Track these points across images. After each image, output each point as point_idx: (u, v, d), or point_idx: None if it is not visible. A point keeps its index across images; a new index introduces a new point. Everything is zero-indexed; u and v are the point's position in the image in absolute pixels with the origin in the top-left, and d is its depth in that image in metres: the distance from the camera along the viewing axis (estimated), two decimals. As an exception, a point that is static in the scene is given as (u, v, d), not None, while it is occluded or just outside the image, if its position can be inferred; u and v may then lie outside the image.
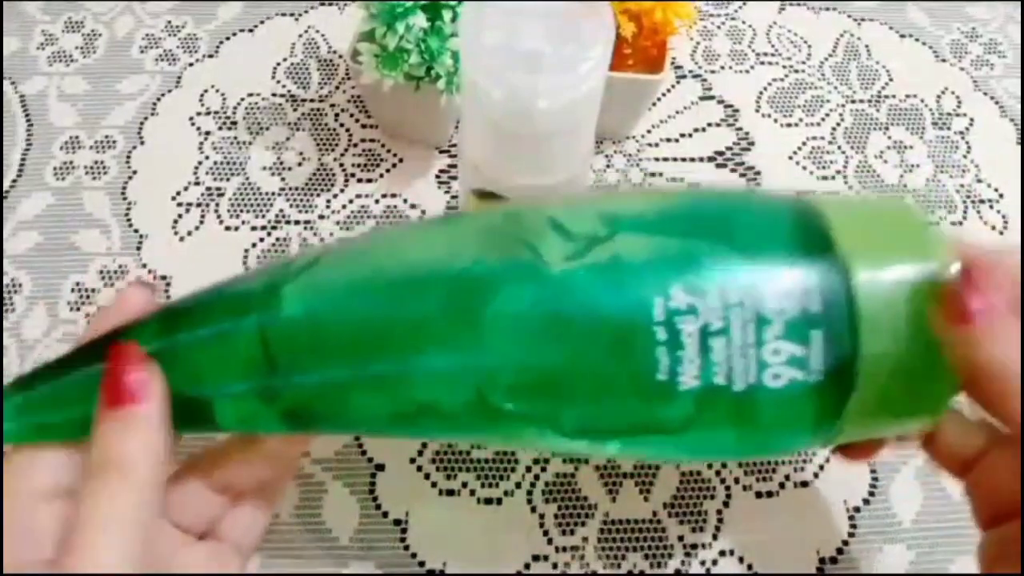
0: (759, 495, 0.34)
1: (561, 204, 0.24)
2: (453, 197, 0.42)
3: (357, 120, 0.44)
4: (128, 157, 0.43)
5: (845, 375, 0.21)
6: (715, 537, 0.33)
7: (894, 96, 0.46)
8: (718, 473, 0.35)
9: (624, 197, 0.26)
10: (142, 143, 0.44)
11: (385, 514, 0.34)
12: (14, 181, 0.42)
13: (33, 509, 0.22)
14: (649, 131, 0.45)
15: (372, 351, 0.22)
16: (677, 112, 0.45)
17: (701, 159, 0.44)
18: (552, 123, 0.24)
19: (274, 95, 0.46)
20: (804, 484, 0.34)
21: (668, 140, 0.44)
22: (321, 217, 0.41)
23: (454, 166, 0.43)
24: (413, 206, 0.42)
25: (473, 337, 0.22)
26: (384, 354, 0.22)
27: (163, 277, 0.39)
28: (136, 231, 0.41)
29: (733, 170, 0.43)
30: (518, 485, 0.34)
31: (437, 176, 0.43)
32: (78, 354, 0.23)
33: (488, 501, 0.34)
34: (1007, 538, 0.22)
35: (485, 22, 0.24)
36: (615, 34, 0.24)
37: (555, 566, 0.33)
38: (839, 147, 0.44)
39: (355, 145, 0.44)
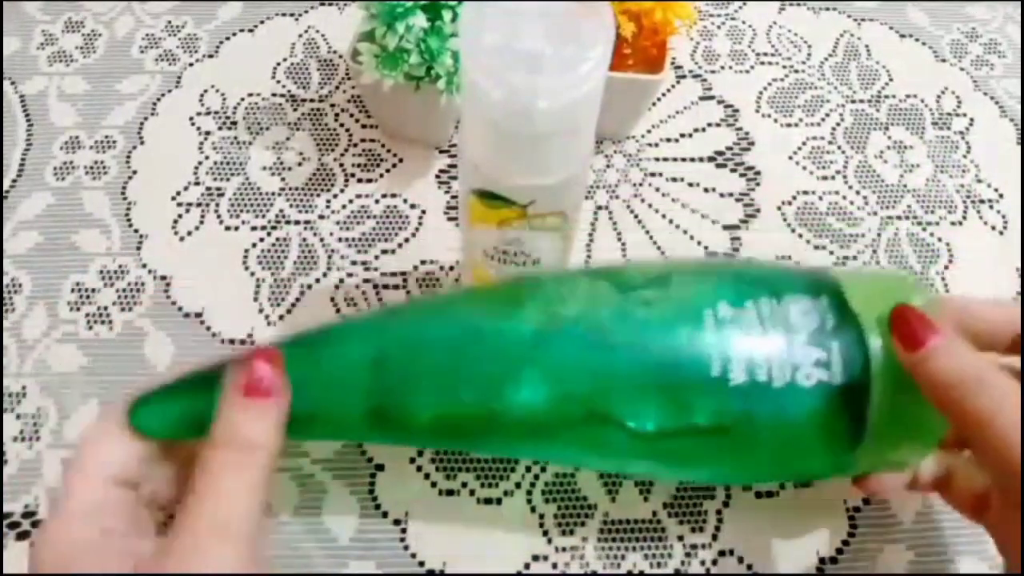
0: (759, 495, 0.34)
1: (616, 271, 0.30)
2: (453, 197, 0.42)
3: (357, 120, 0.44)
4: (128, 157, 0.43)
5: (862, 385, 0.26)
6: (715, 537, 0.33)
7: (894, 96, 0.46)
8: (718, 473, 0.35)
9: (672, 260, 0.33)
10: (142, 143, 0.44)
11: (385, 514, 0.34)
12: (14, 181, 0.42)
13: (100, 490, 0.24)
14: (649, 131, 0.45)
15: (460, 381, 0.27)
16: (677, 112, 0.45)
17: (701, 159, 0.44)
18: (552, 123, 0.24)
19: (274, 95, 0.46)
20: (804, 484, 0.34)
21: (668, 140, 0.44)
22: (321, 217, 0.41)
23: (454, 166, 0.43)
24: (413, 206, 0.42)
25: (562, 354, 0.27)
26: (473, 383, 0.27)
27: (163, 277, 0.39)
28: (136, 231, 0.41)
29: (733, 170, 0.43)
30: (518, 485, 0.34)
31: (437, 176, 0.43)
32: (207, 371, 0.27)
33: (488, 501, 0.34)
34: None
35: (485, 22, 0.24)
36: (615, 34, 0.24)
37: (555, 566, 0.33)
38: (839, 147, 0.44)
39: (355, 145, 0.44)
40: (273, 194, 0.42)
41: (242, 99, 0.45)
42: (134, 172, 0.43)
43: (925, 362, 0.24)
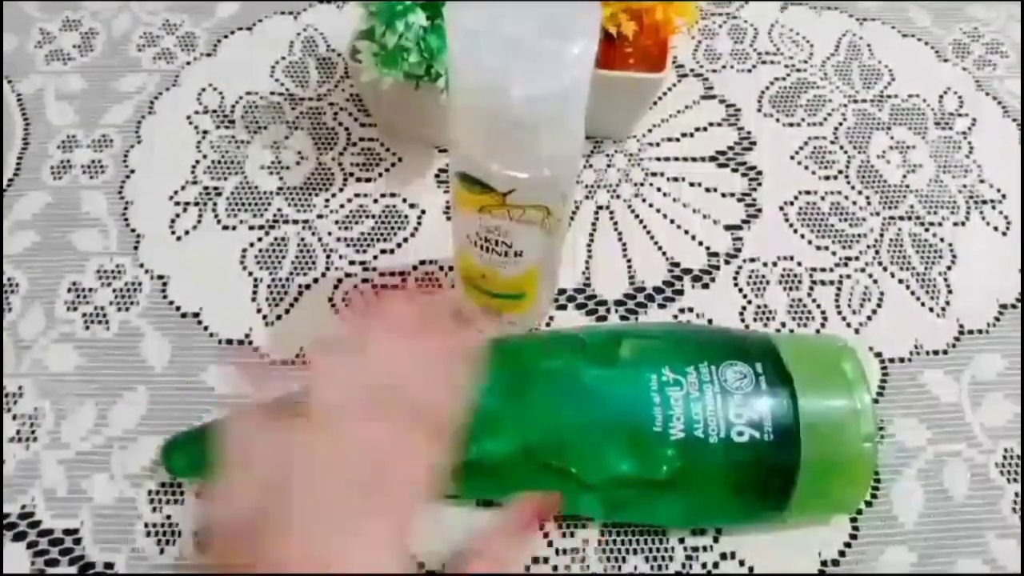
0: (760, 497, 0.34)
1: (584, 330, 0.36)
2: (453, 197, 0.42)
3: (356, 119, 0.44)
4: (125, 156, 0.43)
5: (791, 438, 0.29)
6: (716, 540, 0.33)
7: (896, 96, 0.46)
8: (719, 475, 0.34)
9: (624, 326, 0.38)
10: (139, 142, 0.44)
11: (384, 516, 0.33)
12: (11, 180, 0.42)
13: None
14: (650, 130, 0.44)
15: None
16: (678, 111, 0.45)
17: (702, 158, 0.44)
18: (528, 112, 0.24)
19: (272, 94, 0.45)
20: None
21: (669, 139, 0.44)
22: (320, 216, 0.41)
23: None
24: (412, 205, 0.41)
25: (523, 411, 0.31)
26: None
27: (160, 277, 0.39)
28: (133, 230, 0.41)
29: (735, 170, 0.43)
30: (518, 487, 0.34)
31: (436, 175, 0.42)
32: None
33: (488, 503, 0.34)
34: None
35: (473, 4, 0.24)
36: (601, 30, 0.24)
37: (555, 568, 0.32)
38: (841, 147, 0.44)
39: (354, 144, 0.43)
40: (271, 193, 0.42)
41: (240, 98, 0.45)
42: (131, 171, 0.43)
43: None
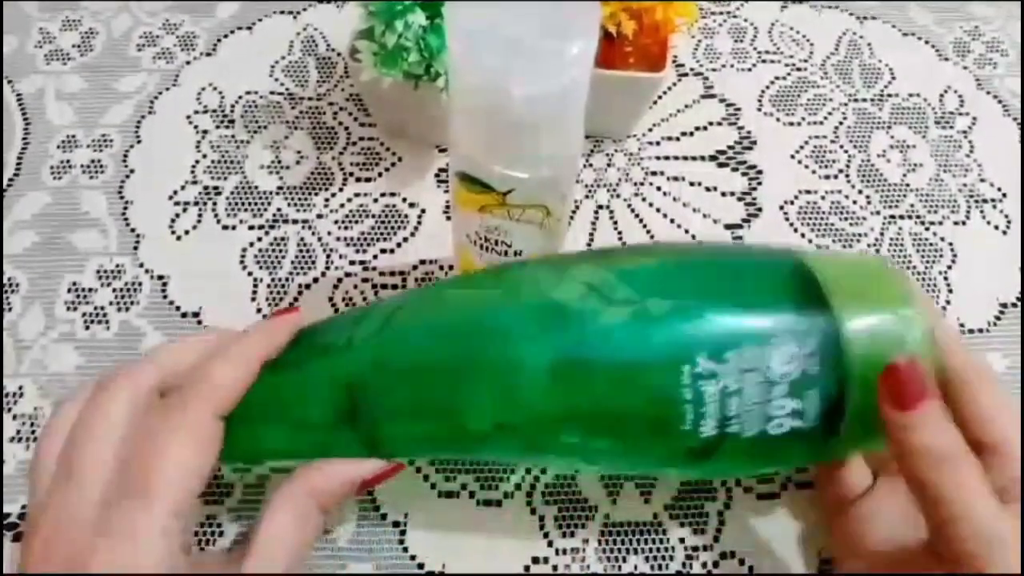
0: (760, 497, 0.34)
1: (590, 265, 0.27)
2: (452, 196, 0.42)
3: (356, 119, 0.44)
4: (125, 156, 0.43)
5: (834, 422, 0.25)
6: (716, 539, 0.33)
7: (897, 95, 0.46)
8: (719, 475, 0.34)
9: (644, 258, 0.29)
10: (139, 142, 0.44)
11: (384, 516, 0.33)
12: (11, 180, 0.42)
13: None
14: (650, 129, 0.44)
15: (434, 389, 0.26)
16: (678, 111, 0.45)
17: (702, 158, 0.44)
18: (528, 112, 0.24)
19: (272, 93, 0.45)
20: (806, 485, 0.34)
21: (669, 139, 0.44)
22: (319, 216, 0.41)
23: (453, 165, 0.43)
24: (412, 205, 0.41)
25: (519, 382, 0.26)
26: (443, 392, 0.26)
27: (160, 277, 0.39)
28: (133, 230, 0.41)
29: (735, 169, 0.43)
30: (518, 487, 0.34)
31: (436, 175, 0.42)
32: None
33: (487, 503, 0.34)
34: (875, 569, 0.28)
35: (471, 4, 0.24)
36: (600, 29, 0.24)
37: (555, 568, 0.32)
38: (841, 146, 0.44)
39: (354, 144, 0.43)
40: (271, 193, 0.42)
41: (240, 97, 0.45)
42: (131, 171, 0.43)
43: (905, 429, 0.25)
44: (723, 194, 0.42)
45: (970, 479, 0.24)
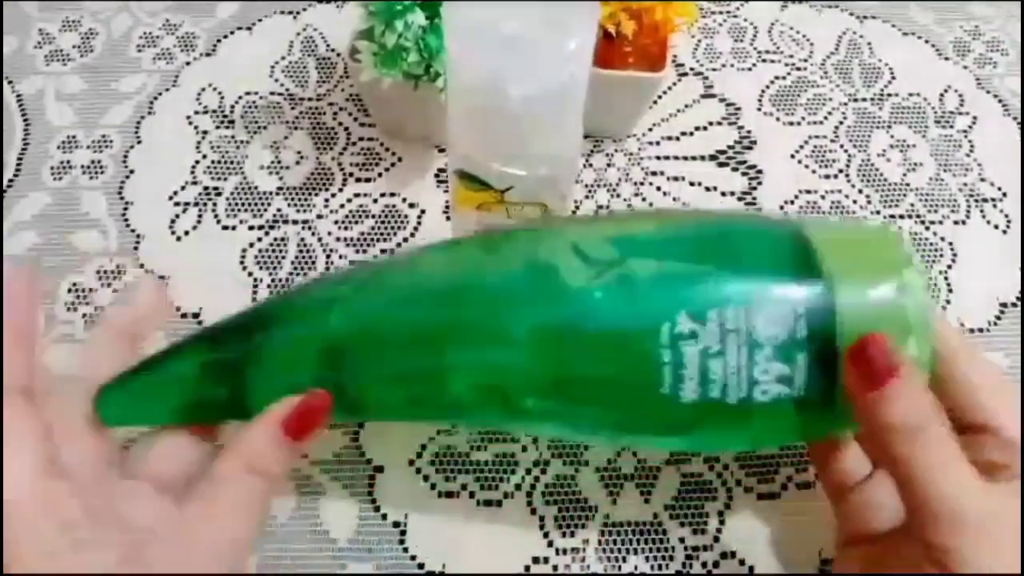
0: (761, 497, 0.34)
1: (578, 228, 0.27)
2: (452, 196, 0.42)
3: (355, 119, 0.44)
4: (125, 156, 0.43)
5: (827, 391, 0.24)
6: (716, 539, 0.33)
7: (897, 94, 0.46)
8: (719, 475, 0.34)
9: (635, 222, 0.29)
10: (139, 142, 0.44)
11: (384, 516, 0.33)
12: (11, 181, 0.42)
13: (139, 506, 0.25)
14: (650, 129, 0.44)
15: (416, 352, 0.26)
16: (678, 110, 0.45)
17: (702, 157, 0.44)
18: (525, 110, 0.24)
19: (272, 94, 0.45)
20: (806, 485, 0.34)
21: (669, 138, 0.44)
22: (319, 216, 0.41)
23: (453, 165, 0.43)
24: (412, 205, 0.41)
25: (501, 344, 0.25)
26: (425, 355, 0.26)
27: (161, 277, 0.39)
28: (133, 231, 0.41)
29: (735, 169, 0.43)
30: (518, 487, 0.34)
31: (436, 175, 0.42)
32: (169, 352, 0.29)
33: (488, 503, 0.34)
34: (869, 556, 0.27)
35: (469, 4, 0.24)
36: (599, 28, 0.24)
37: (555, 568, 0.32)
38: (841, 146, 0.44)
39: (353, 144, 0.43)
40: (271, 193, 0.42)
41: (240, 98, 0.45)
42: (131, 172, 0.43)
43: (875, 403, 0.23)
44: (723, 194, 0.42)
45: (938, 451, 0.23)
